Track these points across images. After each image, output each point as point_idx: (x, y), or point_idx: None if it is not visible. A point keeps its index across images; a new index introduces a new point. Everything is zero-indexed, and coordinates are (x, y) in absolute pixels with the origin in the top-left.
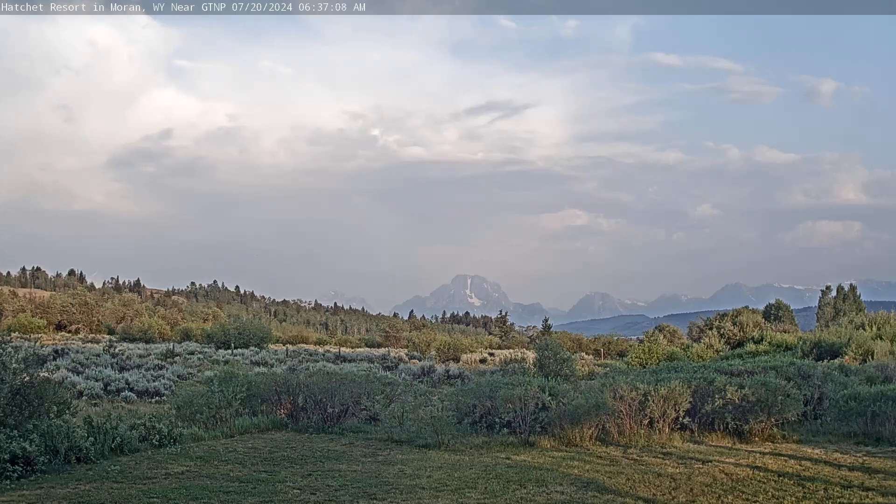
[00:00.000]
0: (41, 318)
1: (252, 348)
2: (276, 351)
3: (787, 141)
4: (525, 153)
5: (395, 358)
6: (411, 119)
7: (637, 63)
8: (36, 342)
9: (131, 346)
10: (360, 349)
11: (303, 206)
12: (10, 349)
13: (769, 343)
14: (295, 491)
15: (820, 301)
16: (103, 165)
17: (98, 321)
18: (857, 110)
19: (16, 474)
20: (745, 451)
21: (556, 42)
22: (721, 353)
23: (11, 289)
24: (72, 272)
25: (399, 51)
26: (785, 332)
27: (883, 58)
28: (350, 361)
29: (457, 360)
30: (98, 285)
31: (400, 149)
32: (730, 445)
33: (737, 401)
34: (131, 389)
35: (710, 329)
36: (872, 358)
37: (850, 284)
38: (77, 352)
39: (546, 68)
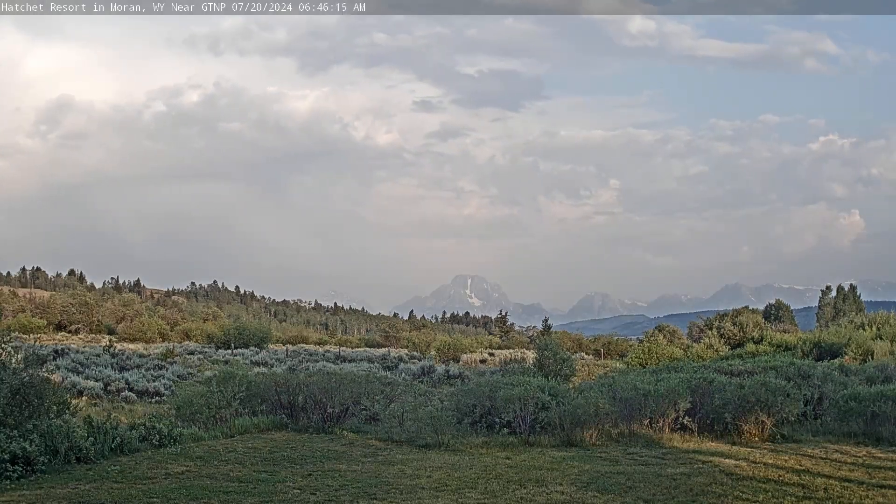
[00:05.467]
0: (41, 318)
1: (252, 348)
2: (276, 351)
3: None
4: None
5: (395, 358)
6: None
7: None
8: (35, 341)
9: (131, 346)
10: (360, 349)
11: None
12: (10, 349)
13: (769, 343)
14: (295, 491)
15: (820, 301)
16: None
17: (98, 321)
18: None
19: (16, 474)
20: (745, 450)
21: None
22: (721, 354)
23: (11, 289)
24: (72, 272)
25: None
26: (785, 333)
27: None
28: (350, 361)
29: (457, 360)
30: (98, 285)
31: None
32: (730, 445)
33: (737, 401)
34: (131, 389)
35: (710, 329)
36: (872, 358)
37: (850, 284)
38: (77, 352)
39: None
